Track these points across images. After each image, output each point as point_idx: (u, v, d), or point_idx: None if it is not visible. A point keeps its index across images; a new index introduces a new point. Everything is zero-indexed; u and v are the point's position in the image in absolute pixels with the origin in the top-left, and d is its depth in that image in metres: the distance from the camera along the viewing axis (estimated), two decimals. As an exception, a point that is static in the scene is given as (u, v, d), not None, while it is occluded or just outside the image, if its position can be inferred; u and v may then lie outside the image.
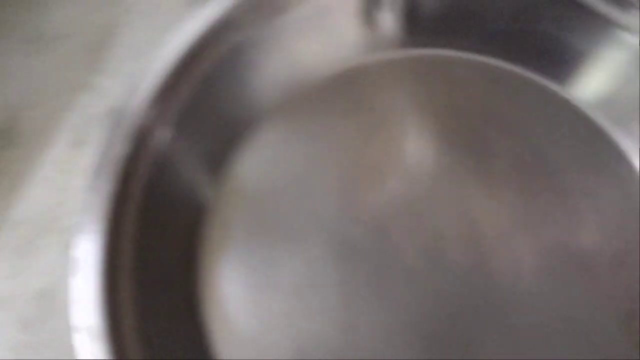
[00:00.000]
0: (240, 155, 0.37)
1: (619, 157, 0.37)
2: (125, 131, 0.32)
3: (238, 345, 0.33)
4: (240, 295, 0.34)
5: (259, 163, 0.37)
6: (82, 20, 0.43)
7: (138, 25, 0.43)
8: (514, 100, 0.39)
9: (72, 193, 0.38)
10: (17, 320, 0.35)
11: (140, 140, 0.32)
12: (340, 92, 0.39)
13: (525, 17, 0.39)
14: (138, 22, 0.43)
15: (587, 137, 0.38)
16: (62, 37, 0.42)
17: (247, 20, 0.36)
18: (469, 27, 0.40)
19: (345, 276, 0.35)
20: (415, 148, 0.38)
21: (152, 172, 0.32)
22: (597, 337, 0.33)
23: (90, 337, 0.28)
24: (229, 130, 0.37)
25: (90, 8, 0.43)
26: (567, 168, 0.37)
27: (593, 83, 0.39)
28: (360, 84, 0.39)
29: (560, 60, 0.39)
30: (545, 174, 0.37)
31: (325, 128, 0.38)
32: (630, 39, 0.36)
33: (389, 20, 0.40)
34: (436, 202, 0.36)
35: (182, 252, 0.34)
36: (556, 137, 0.38)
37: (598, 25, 0.37)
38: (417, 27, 0.40)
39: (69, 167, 0.39)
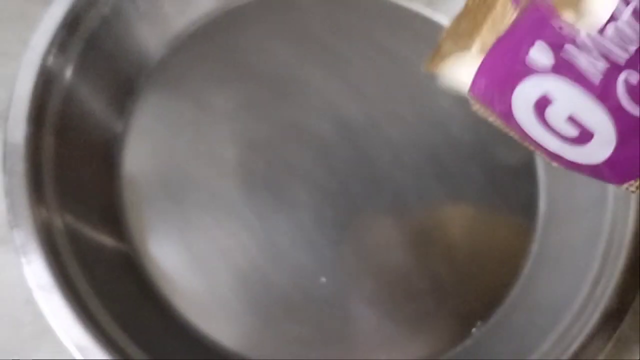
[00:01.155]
0: (141, 95, 0.42)
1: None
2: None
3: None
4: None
5: (159, 100, 0.42)
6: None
7: (5, 31, 0.45)
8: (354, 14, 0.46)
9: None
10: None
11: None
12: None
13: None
14: (4, 28, 0.45)
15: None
16: None
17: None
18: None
19: (252, 196, 0.40)
20: (286, 69, 0.43)
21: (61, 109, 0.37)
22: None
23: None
24: (126, 74, 0.42)
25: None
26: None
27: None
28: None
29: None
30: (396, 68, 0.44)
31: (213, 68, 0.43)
32: None
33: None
34: (311, 111, 0.42)
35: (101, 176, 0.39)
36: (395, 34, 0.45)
37: None
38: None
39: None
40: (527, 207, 0.42)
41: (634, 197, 0.37)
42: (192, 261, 0.38)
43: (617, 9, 0.20)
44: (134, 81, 0.42)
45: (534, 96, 0.23)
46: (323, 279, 0.39)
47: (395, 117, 0.42)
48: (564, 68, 0.22)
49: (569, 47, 0.21)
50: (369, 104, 0.43)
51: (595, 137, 0.23)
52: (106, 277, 0.36)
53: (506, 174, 0.42)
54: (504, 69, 0.23)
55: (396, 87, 0.43)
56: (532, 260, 0.40)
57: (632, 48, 0.20)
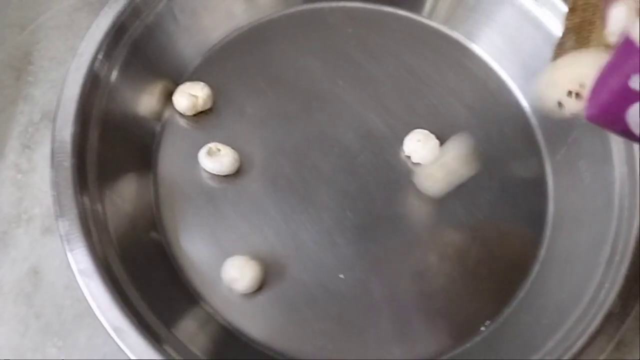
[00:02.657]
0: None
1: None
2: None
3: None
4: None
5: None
6: (0, 46, 0.49)
7: (54, 39, 0.49)
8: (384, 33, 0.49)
9: (32, 188, 0.44)
10: (17, 298, 0.41)
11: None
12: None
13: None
14: (53, 36, 0.49)
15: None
16: (-14, 64, 0.48)
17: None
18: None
19: (278, 197, 0.43)
20: (314, 82, 0.47)
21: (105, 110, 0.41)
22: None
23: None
24: (165, 79, 0.46)
25: (4, 34, 0.49)
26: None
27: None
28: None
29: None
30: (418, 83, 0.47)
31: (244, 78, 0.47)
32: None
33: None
34: (337, 121, 0.45)
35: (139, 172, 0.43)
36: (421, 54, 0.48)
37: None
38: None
39: (25, 167, 0.44)
40: (536, 215, 0.44)
41: (638, 207, 0.39)
42: (220, 254, 0.41)
43: None
44: (171, 86, 0.45)
45: None
46: (341, 276, 0.41)
47: (415, 129, 0.45)
48: None
49: None
50: (391, 116, 0.46)
51: None
52: (141, 265, 0.39)
53: (517, 185, 0.45)
54: (614, 95, 0.27)
55: (416, 101, 0.46)
56: (539, 264, 0.42)
57: None
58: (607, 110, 0.27)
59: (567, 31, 0.33)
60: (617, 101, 0.27)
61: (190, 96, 0.45)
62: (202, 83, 0.45)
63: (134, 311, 0.36)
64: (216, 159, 0.43)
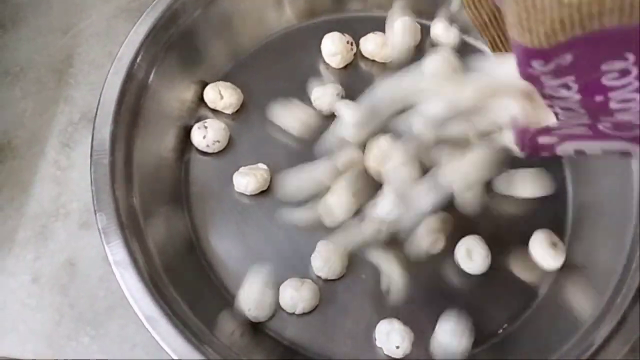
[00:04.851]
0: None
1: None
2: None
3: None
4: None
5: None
6: (43, 50, 0.51)
7: (93, 44, 0.51)
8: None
9: (70, 184, 0.46)
10: (53, 288, 0.43)
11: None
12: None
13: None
14: (92, 41, 0.51)
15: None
16: (29, 66, 0.50)
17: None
18: None
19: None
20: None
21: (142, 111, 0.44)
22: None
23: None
24: (199, 82, 0.48)
25: (47, 39, 0.52)
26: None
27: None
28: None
29: None
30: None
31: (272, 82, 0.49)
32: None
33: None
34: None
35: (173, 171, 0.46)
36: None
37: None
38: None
39: (64, 164, 0.47)
40: (555, 225, 0.45)
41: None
42: (246, 251, 0.43)
43: None
44: (204, 88, 0.48)
45: None
46: (363, 276, 0.42)
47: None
48: None
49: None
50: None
51: None
52: (173, 259, 0.41)
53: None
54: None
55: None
56: (557, 270, 0.43)
57: None
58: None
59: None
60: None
61: (219, 93, 0.47)
62: (231, 85, 0.48)
63: (166, 302, 0.38)
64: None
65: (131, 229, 0.39)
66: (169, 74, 0.46)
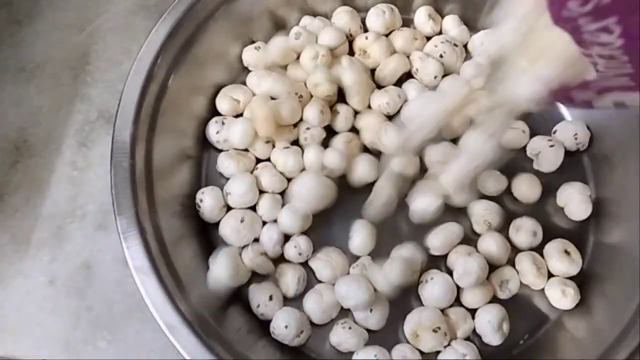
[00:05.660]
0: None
1: None
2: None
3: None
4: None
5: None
6: (58, 46, 0.50)
7: (111, 40, 0.50)
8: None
9: (87, 185, 0.45)
10: (70, 291, 0.42)
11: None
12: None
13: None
14: (110, 38, 0.50)
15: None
16: (45, 62, 0.50)
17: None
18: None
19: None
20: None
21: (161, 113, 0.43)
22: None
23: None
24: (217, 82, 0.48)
25: (64, 34, 0.51)
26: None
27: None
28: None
29: None
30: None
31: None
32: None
33: None
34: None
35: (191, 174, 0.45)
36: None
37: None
38: None
39: (81, 164, 0.46)
40: (576, 241, 0.44)
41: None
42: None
43: None
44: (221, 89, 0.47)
45: None
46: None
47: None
48: None
49: None
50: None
51: None
52: (191, 265, 0.41)
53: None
54: None
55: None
56: (579, 286, 0.43)
57: None
58: None
59: None
60: None
61: (232, 100, 0.46)
62: (244, 87, 0.47)
63: (185, 308, 0.37)
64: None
65: (151, 234, 0.39)
66: (188, 75, 0.45)
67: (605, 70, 0.25)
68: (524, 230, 0.43)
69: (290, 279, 0.41)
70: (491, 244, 0.42)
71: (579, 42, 0.24)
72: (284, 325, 0.39)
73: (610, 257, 0.43)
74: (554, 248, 0.43)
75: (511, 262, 0.43)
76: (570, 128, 0.46)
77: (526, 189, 0.44)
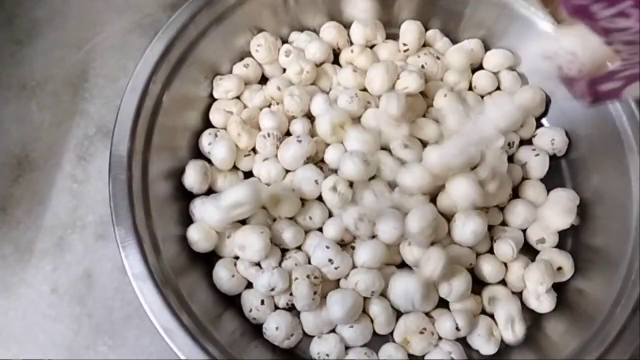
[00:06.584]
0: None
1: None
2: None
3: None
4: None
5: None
6: (58, 64, 0.52)
7: (108, 58, 0.52)
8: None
9: (86, 197, 0.47)
10: (71, 299, 0.44)
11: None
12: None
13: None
14: (107, 56, 0.53)
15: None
16: (45, 80, 0.52)
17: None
18: None
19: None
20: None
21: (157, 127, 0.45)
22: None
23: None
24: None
25: (63, 53, 0.53)
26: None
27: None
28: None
29: None
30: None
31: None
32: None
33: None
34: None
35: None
36: None
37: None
38: None
39: (80, 177, 0.48)
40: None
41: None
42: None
43: None
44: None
45: None
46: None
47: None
48: None
49: None
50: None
51: None
52: (189, 274, 0.42)
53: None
54: None
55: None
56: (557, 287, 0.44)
57: None
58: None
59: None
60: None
61: (225, 112, 0.48)
62: (235, 99, 0.49)
63: (183, 314, 0.39)
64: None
65: (148, 243, 0.41)
66: (182, 90, 0.47)
67: (630, 57, 0.25)
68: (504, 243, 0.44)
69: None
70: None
71: (598, 32, 0.24)
72: (275, 327, 0.41)
73: (588, 258, 0.45)
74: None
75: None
76: (548, 134, 0.48)
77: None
